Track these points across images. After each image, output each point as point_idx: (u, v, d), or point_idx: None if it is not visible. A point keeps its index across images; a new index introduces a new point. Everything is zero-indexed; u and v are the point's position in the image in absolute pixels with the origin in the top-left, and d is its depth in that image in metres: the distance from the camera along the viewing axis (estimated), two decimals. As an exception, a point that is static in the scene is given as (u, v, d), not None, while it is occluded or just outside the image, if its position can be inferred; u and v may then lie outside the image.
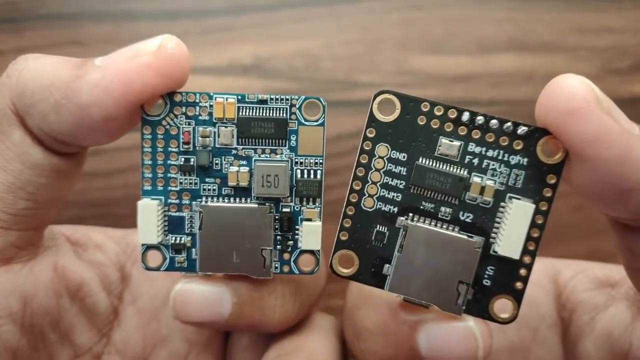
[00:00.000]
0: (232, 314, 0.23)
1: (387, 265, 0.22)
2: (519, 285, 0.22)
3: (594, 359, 0.25)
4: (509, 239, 0.21)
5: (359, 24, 0.40)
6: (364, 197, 0.22)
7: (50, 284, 0.25)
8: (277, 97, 0.22)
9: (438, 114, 0.22)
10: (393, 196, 0.22)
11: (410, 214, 0.22)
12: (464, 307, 0.22)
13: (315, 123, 0.23)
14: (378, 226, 0.22)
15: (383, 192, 0.22)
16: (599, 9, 0.42)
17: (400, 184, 0.22)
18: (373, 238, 0.22)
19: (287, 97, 0.22)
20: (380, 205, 0.22)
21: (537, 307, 0.28)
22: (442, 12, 0.41)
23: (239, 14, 0.40)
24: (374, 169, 0.22)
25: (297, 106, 0.22)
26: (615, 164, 0.19)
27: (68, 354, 0.26)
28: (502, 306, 0.22)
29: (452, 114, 0.22)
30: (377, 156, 0.22)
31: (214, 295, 0.23)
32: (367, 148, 0.22)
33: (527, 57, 0.41)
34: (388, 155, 0.22)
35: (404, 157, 0.22)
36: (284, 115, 0.22)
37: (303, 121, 0.23)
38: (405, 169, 0.22)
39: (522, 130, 0.21)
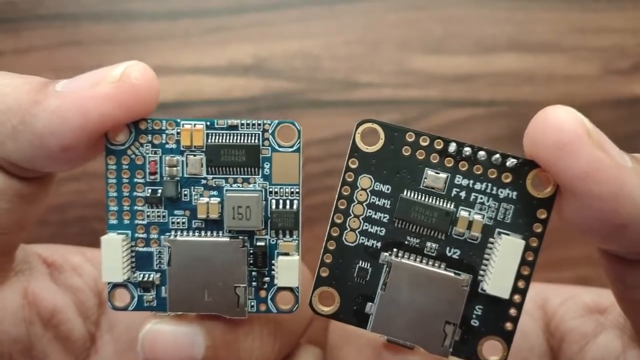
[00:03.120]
0: (205, 357, 0.22)
1: (370, 303, 0.21)
2: (508, 326, 0.21)
3: None
4: (498, 277, 0.20)
5: (359, 24, 0.40)
6: (345, 231, 0.21)
7: (20, 311, 0.24)
8: (248, 122, 0.21)
9: (424, 144, 0.21)
10: (376, 230, 0.21)
11: (395, 250, 0.21)
12: (450, 350, 0.21)
13: (290, 149, 0.21)
14: (360, 262, 0.21)
15: (366, 226, 0.21)
16: (599, 9, 0.41)
17: (384, 217, 0.21)
18: (355, 275, 0.21)
19: (260, 122, 0.21)
20: (362, 240, 0.21)
21: (526, 336, 0.27)
22: (442, 12, 0.40)
23: (239, 14, 0.39)
24: (356, 202, 0.21)
25: (269, 131, 0.21)
26: (609, 200, 0.18)
27: None
28: (491, 348, 0.21)
29: (439, 145, 0.20)
30: (359, 188, 0.21)
31: (186, 338, 0.22)
32: (349, 179, 0.21)
33: (527, 57, 0.40)
34: (371, 187, 0.21)
35: (388, 189, 0.21)
36: (256, 141, 0.21)
37: (277, 147, 0.21)
38: (389, 202, 0.21)
39: (511, 162, 0.20)
